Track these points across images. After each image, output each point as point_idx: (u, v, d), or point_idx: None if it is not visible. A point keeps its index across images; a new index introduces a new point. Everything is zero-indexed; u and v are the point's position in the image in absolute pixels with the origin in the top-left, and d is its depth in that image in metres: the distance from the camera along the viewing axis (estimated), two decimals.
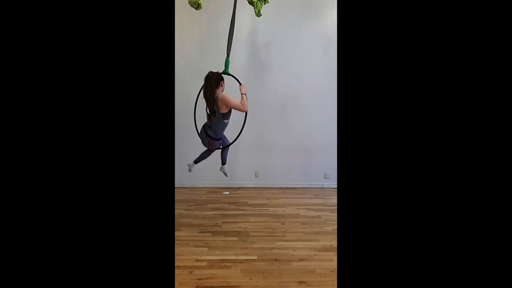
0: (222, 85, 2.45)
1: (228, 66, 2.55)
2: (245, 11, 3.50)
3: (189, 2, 2.71)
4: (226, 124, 2.47)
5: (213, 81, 2.37)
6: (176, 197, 3.30)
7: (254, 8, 2.74)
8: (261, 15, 2.79)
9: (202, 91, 2.47)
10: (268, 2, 2.79)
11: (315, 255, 2.06)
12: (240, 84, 2.52)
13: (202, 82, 3.76)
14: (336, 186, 3.85)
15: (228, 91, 2.53)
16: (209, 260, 1.98)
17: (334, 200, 3.37)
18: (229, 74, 2.55)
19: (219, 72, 2.47)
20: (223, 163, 2.93)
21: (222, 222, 2.68)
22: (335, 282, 1.70)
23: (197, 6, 2.71)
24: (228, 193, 3.67)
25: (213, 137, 2.48)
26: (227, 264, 1.94)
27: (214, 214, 2.91)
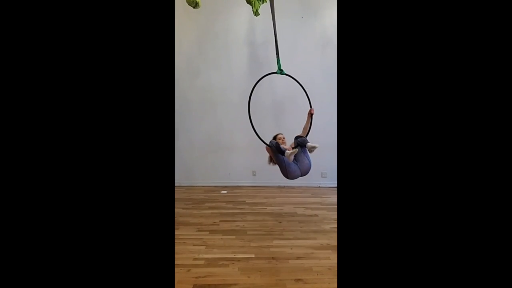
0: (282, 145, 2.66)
1: (280, 65, 2.62)
2: (243, 11, 3.50)
3: (187, 1, 2.71)
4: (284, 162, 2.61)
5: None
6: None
7: (252, 8, 2.74)
8: (258, 14, 2.79)
9: (253, 90, 2.57)
10: (266, 2, 2.79)
11: (312, 253, 2.07)
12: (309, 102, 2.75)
13: (200, 81, 3.79)
14: (333, 185, 3.88)
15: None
16: (206, 259, 1.99)
17: (331, 198, 3.40)
18: (282, 74, 2.63)
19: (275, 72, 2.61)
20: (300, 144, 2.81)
21: (220, 221, 2.68)
22: (332, 280, 1.71)
23: (195, 5, 2.71)
24: (225, 192, 3.68)
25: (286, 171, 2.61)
26: (225, 262, 1.94)
27: (212, 213, 2.92)
